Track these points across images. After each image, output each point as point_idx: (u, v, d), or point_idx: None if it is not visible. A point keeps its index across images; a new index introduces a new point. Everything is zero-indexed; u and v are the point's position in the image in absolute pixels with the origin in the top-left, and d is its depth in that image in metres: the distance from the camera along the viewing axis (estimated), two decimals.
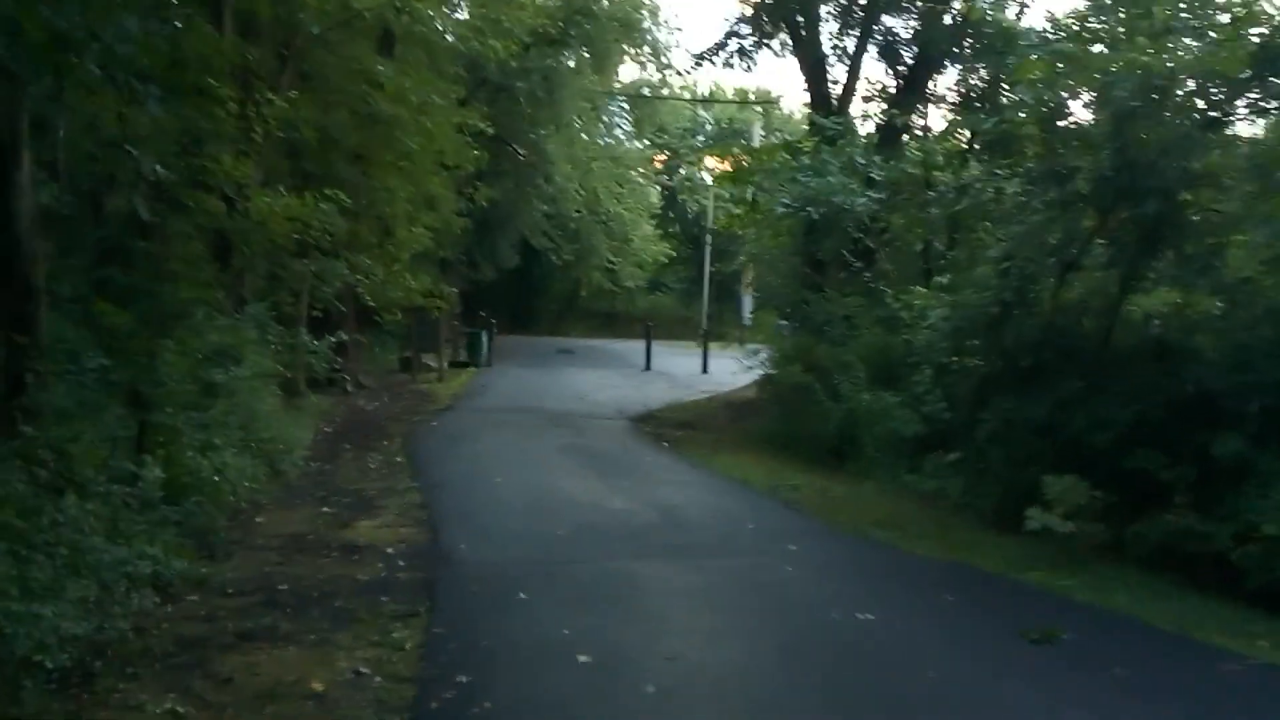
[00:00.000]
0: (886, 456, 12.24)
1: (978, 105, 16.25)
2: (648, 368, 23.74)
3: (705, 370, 23.60)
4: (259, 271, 12.18)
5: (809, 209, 13.31)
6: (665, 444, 13.87)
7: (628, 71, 33.46)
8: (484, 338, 23.45)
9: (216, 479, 8.06)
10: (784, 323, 29.12)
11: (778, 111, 36.90)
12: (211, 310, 11.00)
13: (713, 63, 20.09)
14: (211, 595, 6.28)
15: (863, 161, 14.47)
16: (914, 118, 18.09)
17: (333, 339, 12.90)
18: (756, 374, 17.47)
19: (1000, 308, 9.90)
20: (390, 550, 7.50)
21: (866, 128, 17.89)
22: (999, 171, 10.88)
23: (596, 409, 16.81)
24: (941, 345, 11.77)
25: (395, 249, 17.71)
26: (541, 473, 10.87)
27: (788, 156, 16.10)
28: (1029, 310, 10.14)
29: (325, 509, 8.73)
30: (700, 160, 36.18)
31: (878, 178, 14.30)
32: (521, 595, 6.44)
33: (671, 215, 38.23)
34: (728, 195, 35.66)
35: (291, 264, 12.63)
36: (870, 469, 12.20)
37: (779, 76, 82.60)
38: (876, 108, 18.32)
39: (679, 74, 29.87)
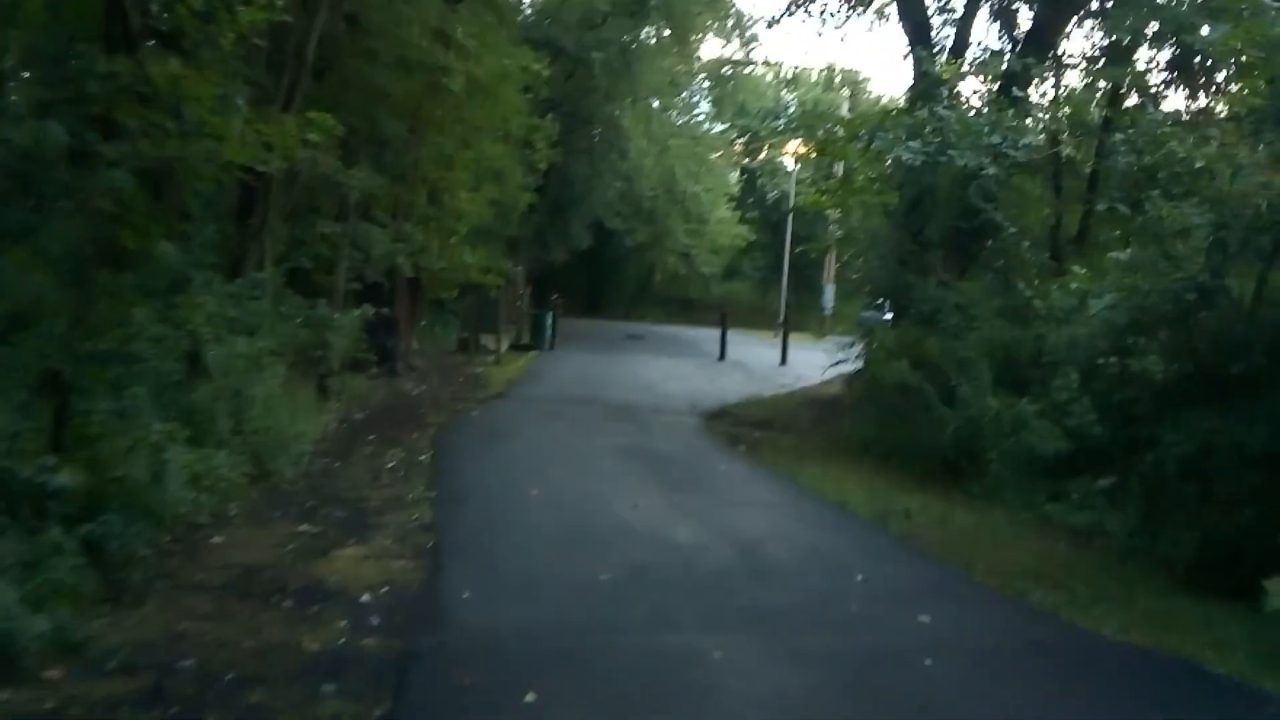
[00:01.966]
0: (1018, 477, 9.56)
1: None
2: (722, 357, 21.22)
3: (784, 362, 20.98)
4: (279, 235, 10.04)
5: (947, 155, 10.45)
6: (741, 448, 11.40)
7: (709, 48, 30.83)
8: (548, 320, 21.23)
9: (155, 486, 5.89)
10: (869, 313, 26.26)
11: (866, 94, 33.87)
12: (212, 275, 8.99)
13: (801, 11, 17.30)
14: (77, 676, 4.09)
15: (985, 123, 11.67)
16: (1034, 84, 15.16)
17: (370, 313, 10.68)
18: (844, 369, 14.92)
19: (1197, 294, 7.14)
20: (366, 599, 5.23)
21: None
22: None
23: (664, 402, 14.40)
24: (1095, 343, 9.02)
25: (451, 220, 15.62)
26: (590, 482, 8.51)
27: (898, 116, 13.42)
28: (1229, 299, 7.38)
29: (305, 527, 6.51)
30: (783, 143, 33.37)
31: (1000, 142, 11.50)
32: (530, 698, 4.09)
33: (750, 200, 35.46)
34: (810, 177, 32.85)
35: (319, 226, 10.46)
36: (996, 491, 9.53)
37: (868, 58, 78.27)
38: (985, 81, 15.37)
39: (758, 46, 27.08)
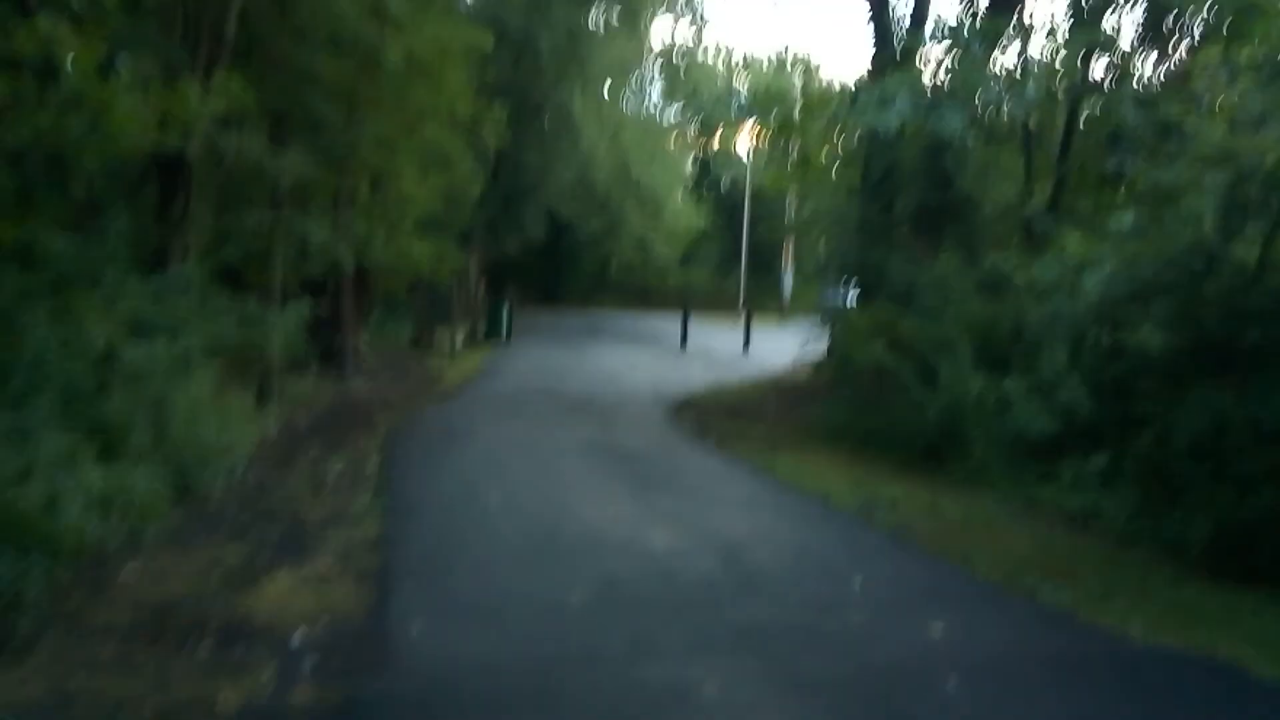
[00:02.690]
0: (1004, 460, 9.05)
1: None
2: (684, 346, 20.56)
3: (747, 349, 20.39)
4: (203, 226, 9.11)
5: (940, 110, 9.81)
6: (711, 439, 10.74)
7: (660, 30, 30.07)
8: (504, 312, 20.39)
9: (51, 513, 5.04)
10: (831, 295, 25.74)
11: (818, 78, 33.37)
12: (127, 272, 8.09)
13: None
14: None
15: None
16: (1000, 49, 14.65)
17: (307, 311, 9.78)
18: (810, 354, 14.36)
19: (1205, 260, 6.61)
20: (299, 637, 4.45)
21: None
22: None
23: (627, 394, 13.70)
24: (1083, 316, 8.50)
25: (396, 209, 14.69)
26: (554, 486, 7.78)
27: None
28: (1234, 266, 6.88)
29: (234, 549, 5.69)
30: (737, 127, 32.76)
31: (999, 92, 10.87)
32: None
33: (704, 187, 34.81)
34: (765, 162, 32.29)
35: (248, 217, 9.52)
36: (981, 475, 9.01)
37: (819, 42, 77.60)
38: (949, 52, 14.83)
39: (708, 26, 26.38)
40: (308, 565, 5.48)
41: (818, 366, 15.19)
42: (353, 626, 4.62)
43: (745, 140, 33.46)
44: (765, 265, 32.33)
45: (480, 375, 15.26)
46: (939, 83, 11.33)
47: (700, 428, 11.41)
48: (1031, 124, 12.43)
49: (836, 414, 11.61)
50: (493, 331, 20.21)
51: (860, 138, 14.27)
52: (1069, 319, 8.71)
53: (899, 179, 13.03)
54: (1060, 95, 11.45)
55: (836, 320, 13.09)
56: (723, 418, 12.26)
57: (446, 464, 8.46)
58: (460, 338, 18.75)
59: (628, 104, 29.16)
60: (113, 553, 5.43)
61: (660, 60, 29.58)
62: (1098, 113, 11.57)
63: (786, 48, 35.10)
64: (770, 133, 22.26)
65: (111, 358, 7.24)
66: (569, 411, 11.84)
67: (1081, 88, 10.68)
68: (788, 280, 29.60)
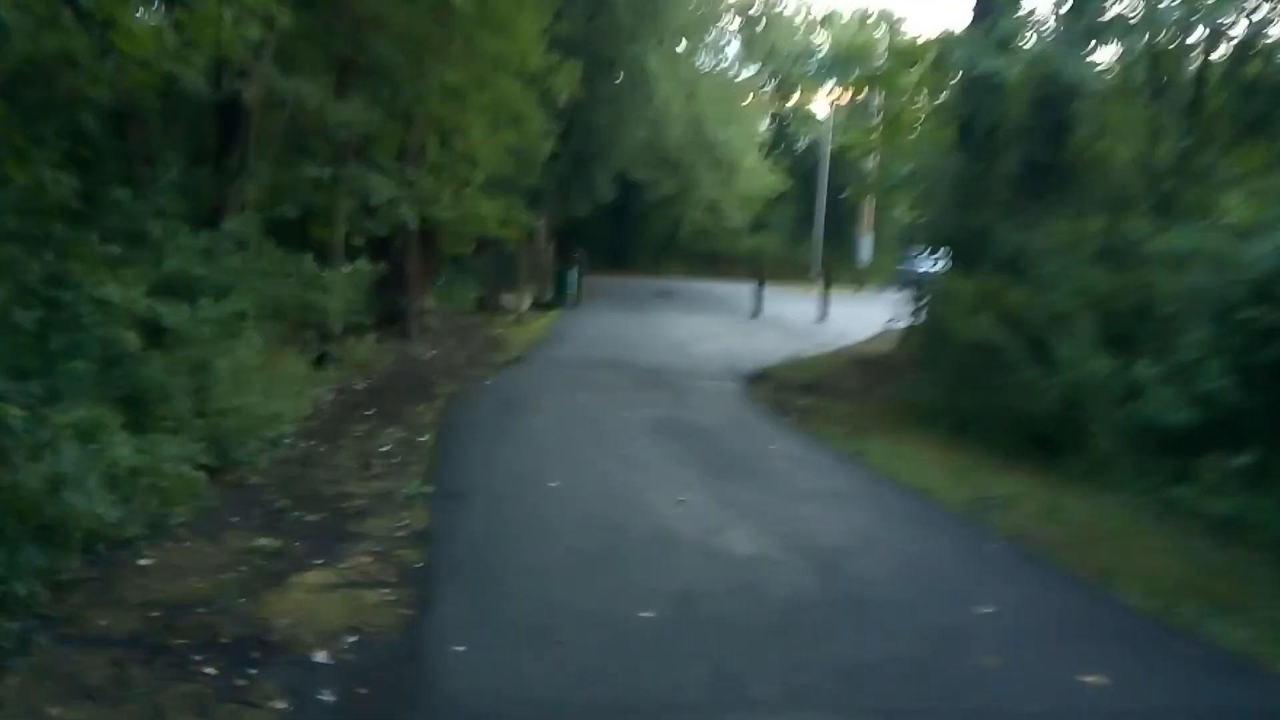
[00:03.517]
0: (1131, 454, 7.89)
1: None
2: (757, 314, 19.50)
3: (823, 318, 19.23)
4: (260, 179, 8.43)
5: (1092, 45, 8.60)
6: (791, 417, 9.80)
7: None
8: (572, 276, 19.58)
9: (56, 494, 4.39)
10: (911, 264, 24.27)
11: (901, 33, 31.45)
12: (176, 226, 7.46)
13: None
14: None
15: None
16: None
17: (366, 269, 9.08)
18: (894, 324, 13.23)
19: None
20: (321, 656, 3.72)
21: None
22: None
23: (699, 364, 12.78)
24: (1232, 290, 7.25)
25: (465, 166, 13.95)
26: (621, 469, 6.94)
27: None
28: None
29: (264, 540, 5.00)
30: (816, 86, 31.11)
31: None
32: None
33: (780, 148, 33.31)
34: (844, 122, 30.65)
35: (306, 169, 8.81)
36: (1104, 470, 7.87)
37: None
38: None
39: None
40: (343, 561, 4.76)
41: (903, 339, 14.07)
42: (385, 645, 3.86)
43: (824, 100, 31.87)
44: (840, 231, 30.84)
45: (546, 341, 14.52)
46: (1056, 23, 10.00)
47: (778, 404, 10.46)
48: (1160, 72, 10.99)
49: (928, 393, 10.48)
50: (560, 296, 19.46)
51: (958, 90, 12.95)
52: (1215, 293, 7.46)
53: (1005, 134, 11.72)
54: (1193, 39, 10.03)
55: (929, 290, 11.92)
56: (801, 393, 11.27)
57: (505, 440, 7.70)
58: (527, 301, 18.04)
59: (703, 62, 27.84)
60: (131, 540, 4.79)
61: (738, 16, 28.18)
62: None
63: (868, 6, 32.99)
64: (853, 91, 20.89)
65: (154, 319, 6.66)
66: (637, 383, 11.00)
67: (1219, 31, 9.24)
68: (865, 247, 28.12)
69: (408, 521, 5.40)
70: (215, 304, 7.01)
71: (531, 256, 19.45)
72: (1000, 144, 11.87)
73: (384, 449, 7.12)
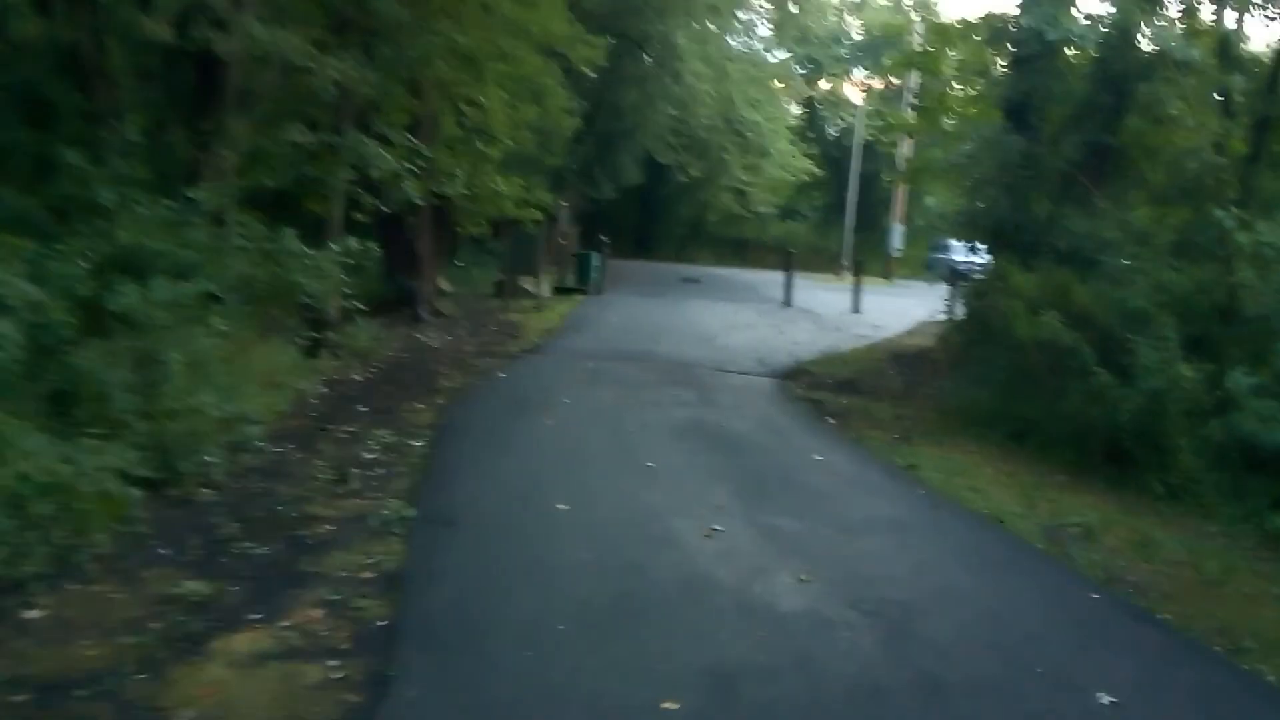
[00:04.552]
0: (1222, 475, 6.70)
1: None
2: (787, 303, 18.25)
3: (857, 309, 17.95)
4: (238, 143, 7.33)
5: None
6: (831, 420, 8.64)
7: None
8: (595, 261, 18.42)
9: None
10: (943, 253, 22.76)
11: (936, 17, 29.85)
12: (134, 194, 6.40)
13: None
14: None
15: None
16: None
17: (353, 247, 7.96)
18: (934, 317, 11.98)
19: None
20: None
21: None
22: None
23: (728, 358, 11.61)
24: None
25: (481, 141, 12.82)
26: (641, 487, 5.80)
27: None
28: None
29: (192, 585, 3.91)
30: (847, 72, 29.65)
31: None
32: None
33: (810, 135, 31.84)
34: (876, 108, 29.14)
35: (291, 134, 7.69)
36: (1190, 493, 6.72)
37: None
38: None
39: None
40: (286, 617, 3.67)
41: (946, 334, 12.82)
42: None
43: (856, 86, 30.41)
44: (870, 220, 29.44)
45: (565, 329, 13.39)
46: None
47: (816, 405, 9.29)
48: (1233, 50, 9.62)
49: (980, 396, 9.28)
50: (582, 281, 18.31)
51: (1011, 67, 11.65)
52: None
53: (1064, 115, 10.43)
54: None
55: (980, 283, 10.68)
56: (840, 392, 10.09)
57: (510, 447, 6.58)
58: (548, 286, 16.91)
59: (734, 43, 26.41)
60: (23, 582, 3.73)
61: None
62: None
63: None
64: (889, 75, 19.49)
65: (99, 300, 5.61)
66: (662, 378, 9.85)
67: None
68: (897, 236, 26.71)
69: (378, 558, 4.31)
70: (174, 285, 5.95)
71: (553, 239, 18.32)
72: (1060, 126, 10.59)
73: (368, 456, 6.03)
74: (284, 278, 7.04)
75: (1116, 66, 9.70)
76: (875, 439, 7.96)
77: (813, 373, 11.17)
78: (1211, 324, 7.83)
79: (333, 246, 7.69)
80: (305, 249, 7.16)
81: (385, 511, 4.92)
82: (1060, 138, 10.28)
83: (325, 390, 7.92)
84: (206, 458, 5.34)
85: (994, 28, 11.16)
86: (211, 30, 6.68)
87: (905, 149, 21.98)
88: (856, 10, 32.12)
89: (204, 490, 5.15)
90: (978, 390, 9.40)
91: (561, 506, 5.17)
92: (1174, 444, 6.97)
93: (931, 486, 6.50)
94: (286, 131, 7.62)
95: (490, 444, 6.59)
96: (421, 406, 7.66)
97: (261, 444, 6.00)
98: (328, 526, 4.70)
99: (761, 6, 26.67)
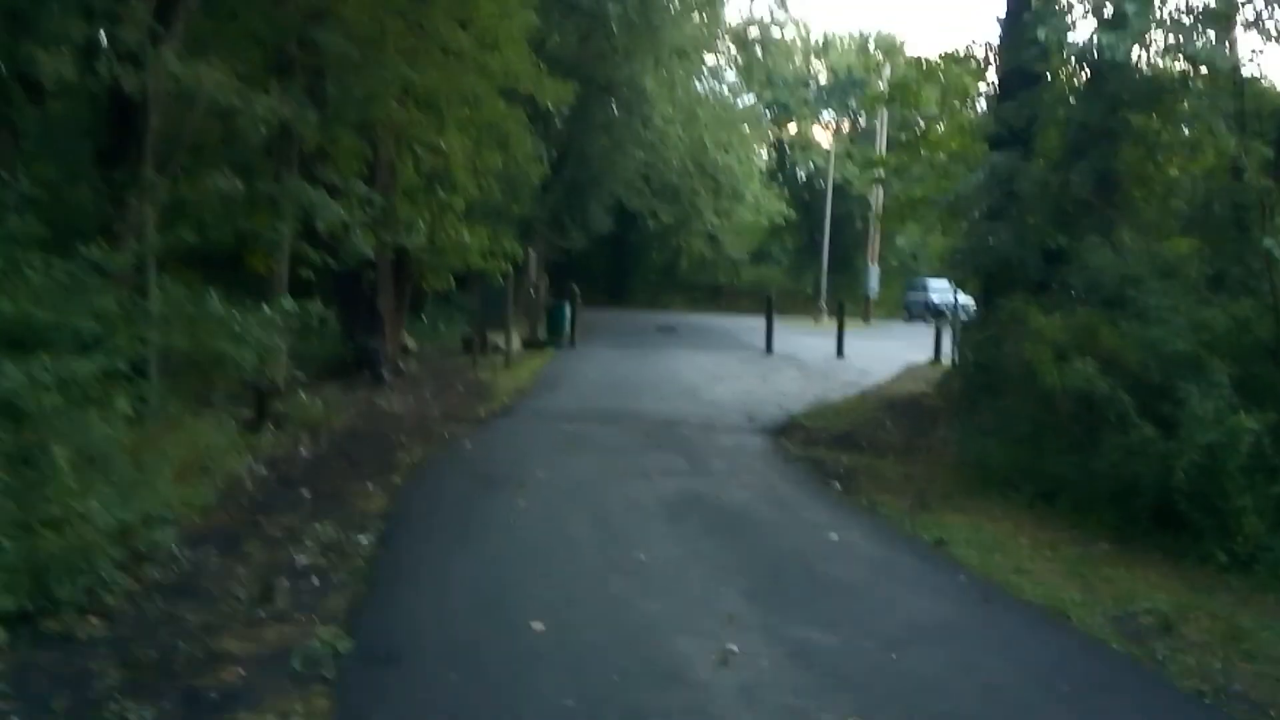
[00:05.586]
0: None
1: None
2: (769, 350, 17.41)
3: (840, 354, 17.14)
4: (156, 193, 6.32)
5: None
6: (836, 485, 7.68)
7: (734, 10, 26.79)
8: (566, 311, 17.51)
9: None
10: (921, 294, 22.00)
11: (900, 60, 29.76)
12: (28, 256, 5.38)
13: None
14: None
15: None
16: None
17: (290, 309, 6.93)
18: (912, 360, 11.15)
19: None
20: None
21: None
22: None
23: (715, 414, 10.66)
24: None
25: (444, 190, 11.95)
26: (636, 591, 4.73)
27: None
28: None
29: None
30: (815, 116, 29.33)
31: None
32: None
33: (780, 177, 31.43)
34: (846, 149, 28.81)
35: (216, 181, 6.69)
36: (1259, 562, 5.81)
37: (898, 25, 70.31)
38: None
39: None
40: None
41: (945, 381, 12.01)
42: None
43: (824, 129, 30.11)
44: (844, 262, 28.93)
45: (538, 387, 12.39)
46: None
47: (816, 466, 8.35)
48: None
49: (992, 450, 8.37)
50: (554, 333, 17.37)
51: (997, 97, 11.03)
52: None
53: (1067, 142, 9.73)
54: None
55: (986, 326, 9.88)
56: (839, 448, 9.16)
57: (474, 542, 5.51)
58: (518, 341, 15.93)
59: (702, 87, 25.96)
60: None
61: (734, 43, 26.37)
62: None
63: (864, 32, 31.20)
64: (867, 107, 18.95)
65: None
66: (646, 441, 8.86)
67: None
68: (873, 277, 26.13)
69: None
70: (69, 361, 4.90)
71: (522, 291, 17.40)
72: (1063, 153, 9.90)
73: (303, 561, 4.94)
74: (208, 346, 5.99)
75: (1116, 88, 9.04)
76: (890, 507, 6.99)
77: (806, 427, 10.24)
78: (1259, 365, 7.02)
79: (265, 309, 6.65)
80: (233, 313, 6.11)
81: (314, 643, 3.84)
82: (1066, 165, 9.55)
83: (264, 472, 6.81)
84: (96, 577, 4.24)
85: (979, 57, 10.54)
86: (120, 66, 5.71)
87: (881, 190, 21.47)
88: (821, 53, 31.96)
89: (90, 620, 4.05)
90: (988, 443, 8.51)
91: (537, 626, 4.11)
92: (1236, 506, 6.08)
93: (970, 569, 5.53)
94: (212, 180, 6.61)
95: (451, 537, 5.52)
96: (373, 489, 6.57)
97: (174, 550, 4.89)
98: (238, 671, 3.61)
99: (727, 50, 26.28)
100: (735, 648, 3.96)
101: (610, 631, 4.13)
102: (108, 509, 4.49)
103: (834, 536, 5.98)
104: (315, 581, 4.65)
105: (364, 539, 5.34)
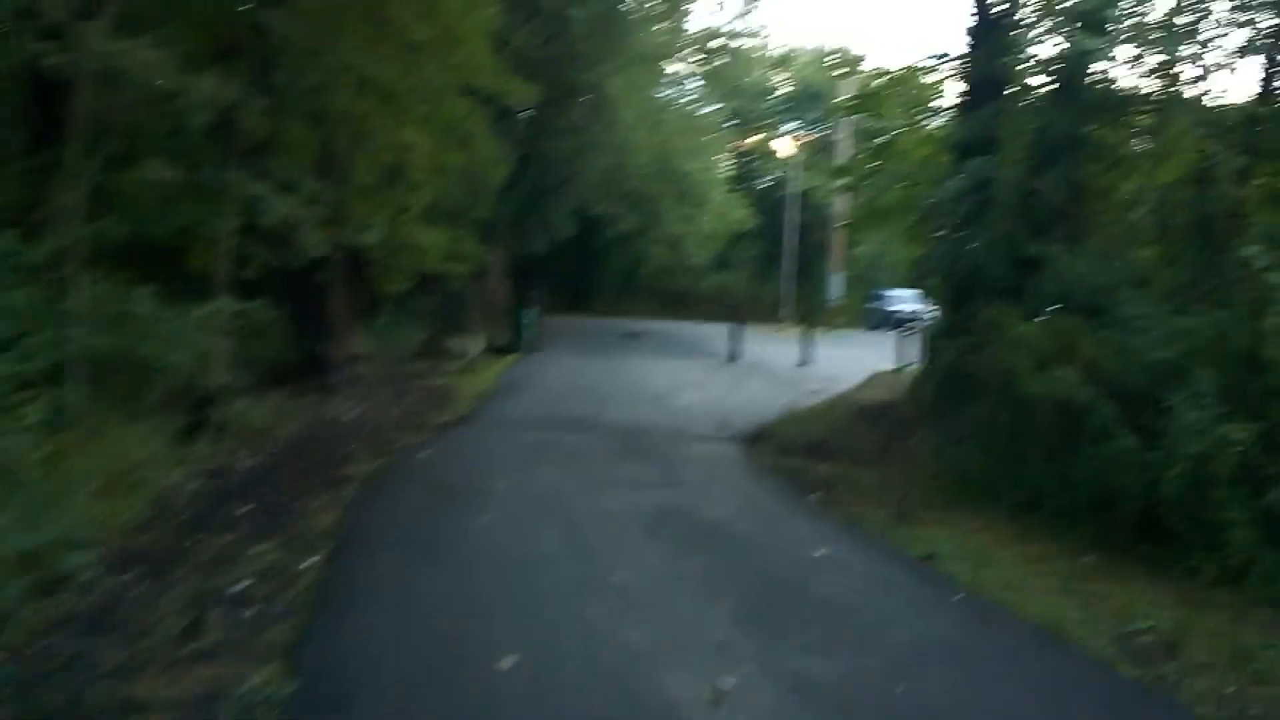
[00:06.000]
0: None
1: None
2: (734, 357, 17.08)
3: (805, 361, 16.88)
4: (80, 181, 5.73)
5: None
6: (814, 496, 7.32)
7: (700, 16, 26.59)
8: (530, 316, 17.00)
9: None
10: (882, 302, 21.85)
11: (860, 73, 29.80)
12: None
13: None
14: None
15: None
16: None
17: (227, 310, 6.37)
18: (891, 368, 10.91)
19: None
20: None
21: None
22: None
23: (685, 422, 10.26)
24: None
25: (400, 187, 11.40)
26: (615, 619, 4.27)
27: None
28: None
29: None
30: (778, 126, 29.24)
31: None
32: None
33: (744, 185, 31.24)
34: (807, 159, 28.71)
35: (146, 171, 6.11)
36: (1249, 576, 5.57)
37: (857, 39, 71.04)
38: None
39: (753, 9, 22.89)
40: None
41: (914, 388, 11.74)
42: None
43: (787, 137, 30.00)
44: (806, 270, 28.82)
45: (499, 393, 11.87)
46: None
47: (793, 477, 7.98)
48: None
49: (967, 458, 8.10)
50: (516, 339, 16.84)
51: (964, 107, 10.87)
52: None
53: (1037, 151, 9.55)
54: None
55: (946, 333, 9.62)
56: (814, 458, 8.82)
57: (433, 562, 5.02)
58: (478, 345, 15.40)
59: (667, 94, 25.64)
60: None
61: (700, 52, 26.12)
62: None
63: (824, 46, 31.24)
64: (833, 116, 18.80)
65: None
66: (615, 450, 8.42)
67: None
68: (836, 285, 26.02)
69: None
70: None
71: (483, 296, 16.87)
72: (1033, 161, 9.72)
73: (239, 586, 4.41)
74: (134, 349, 5.41)
75: (1086, 97, 8.88)
76: (873, 519, 6.65)
77: (778, 435, 9.89)
78: (1238, 375, 6.83)
79: (199, 310, 6.07)
80: (163, 313, 5.54)
81: (249, 685, 3.34)
82: (1035, 173, 9.37)
83: (200, 485, 6.23)
84: (1, 606, 3.69)
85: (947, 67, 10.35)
86: (41, 42, 5.14)
87: (844, 200, 21.35)
88: (782, 65, 31.89)
89: None
90: (961, 450, 8.24)
91: (506, 662, 3.64)
92: (1224, 518, 5.84)
93: (963, 585, 5.18)
94: (150, 169, 6.03)
95: (407, 558, 5.02)
96: (321, 503, 6.03)
97: (92, 575, 4.33)
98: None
99: (691, 59, 25.98)
100: (730, 682, 3.54)
101: (588, 666, 3.68)
102: (10, 531, 3.93)
103: (821, 551, 5.59)
104: (253, 610, 4.12)
105: (308, 561, 4.81)
